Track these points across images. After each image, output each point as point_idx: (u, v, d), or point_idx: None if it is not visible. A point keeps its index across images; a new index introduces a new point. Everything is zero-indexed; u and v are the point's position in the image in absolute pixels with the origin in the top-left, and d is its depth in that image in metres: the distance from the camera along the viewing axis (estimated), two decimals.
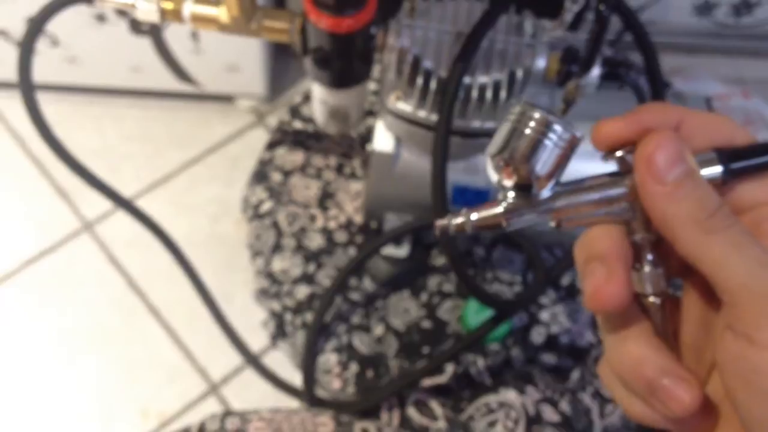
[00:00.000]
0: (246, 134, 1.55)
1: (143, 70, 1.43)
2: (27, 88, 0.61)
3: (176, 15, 0.58)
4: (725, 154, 0.28)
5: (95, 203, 1.43)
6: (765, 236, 0.28)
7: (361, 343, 0.68)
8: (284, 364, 0.83)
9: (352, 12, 0.54)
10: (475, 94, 0.56)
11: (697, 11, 1.47)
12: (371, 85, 0.76)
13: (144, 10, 0.58)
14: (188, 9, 0.58)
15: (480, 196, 0.64)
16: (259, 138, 1.56)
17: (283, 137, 0.74)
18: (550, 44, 0.59)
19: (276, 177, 0.73)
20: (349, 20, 0.54)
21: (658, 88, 0.60)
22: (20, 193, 1.45)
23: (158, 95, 1.53)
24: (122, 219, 1.41)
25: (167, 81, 1.46)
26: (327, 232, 0.71)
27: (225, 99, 1.55)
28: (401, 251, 0.69)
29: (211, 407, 1.29)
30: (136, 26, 1.32)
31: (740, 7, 1.46)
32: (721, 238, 0.27)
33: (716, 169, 0.28)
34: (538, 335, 0.68)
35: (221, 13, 0.58)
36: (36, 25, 0.58)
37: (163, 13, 0.58)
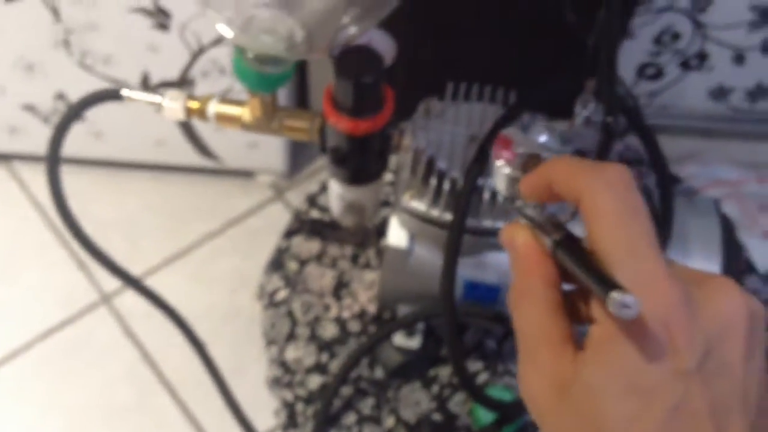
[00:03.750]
0: (266, 208, 1.58)
1: (166, 145, 1.46)
2: (53, 167, 0.63)
3: (201, 114, 0.60)
4: (564, 242, 0.33)
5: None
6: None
7: None
8: None
9: (370, 115, 0.56)
10: (486, 195, 0.58)
11: (712, 96, 1.50)
12: (387, 177, 0.78)
13: (170, 109, 0.60)
14: (213, 109, 0.60)
15: (491, 292, 0.65)
16: (278, 212, 1.58)
17: (300, 226, 0.76)
18: (562, 140, 0.61)
19: (292, 266, 0.74)
20: (366, 123, 0.56)
21: (666, 189, 0.62)
22: (41, 264, 1.47)
23: (180, 169, 1.56)
24: None
25: (189, 156, 1.49)
26: (341, 322, 0.72)
27: (245, 174, 1.58)
28: (413, 342, 0.70)
29: None
30: None
31: (755, 92, 1.48)
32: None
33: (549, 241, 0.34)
34: None
35: (244, 113, 0.60)
36: (67, 118, 0.61)
37: (189, 111, 0.60)
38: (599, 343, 0.31)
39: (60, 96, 1.33)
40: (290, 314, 0.72)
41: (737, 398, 0.30)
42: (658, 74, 1.43)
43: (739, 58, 1.38)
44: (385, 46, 0.61)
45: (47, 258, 1.48)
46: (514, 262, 0.35)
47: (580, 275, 0.31)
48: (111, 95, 0.60)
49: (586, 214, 0.32)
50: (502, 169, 0.38)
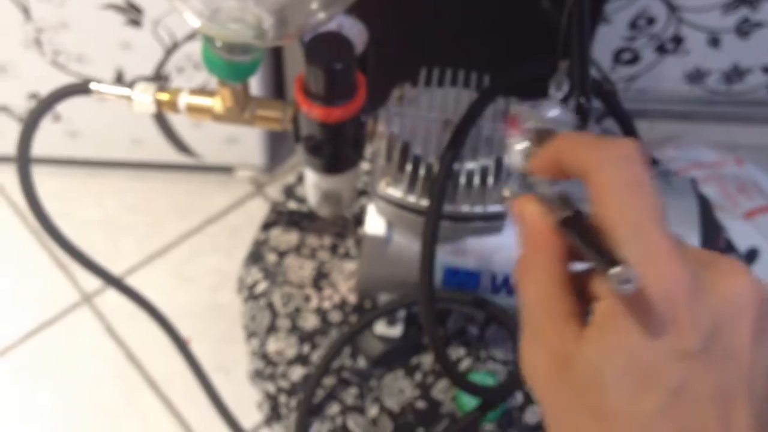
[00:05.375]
0: (245, 204, 1.57)
1: (144, 143, 1.45)
2: (24, 165, 0.63)
3: (172, 106, 0.60)
4: (571, 220, 0.32)
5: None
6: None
7: (355, 424, 0.68)
8: None
9: (343, 102, 0.56)
10: (462, 180, 0.57)
11: (689, 79, 1.50)
12: (364, 166, 0.78)
13: (140, 102, 0.59)
14: (184, 100, 0.59)
15: (471, 278, 0.64)
16: (258, 207, 1.57)
17: (278, 218, 0.75)
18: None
19: (271, 258, 0.74)
20: (339, 110, 0.56)
21: None
22: (20, 266, 1.46)
23: (158, 167, 1.55)
24: None
25: (167, 153, 1.48)
26: (321, 313, 0.72)
27: (224, 170, 1.57)
28: (395, 331, 0.69)
29: None
30: None
31: (731, 74, 1.49)
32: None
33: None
34: (532, 415, 0.68)
35: (215, 103, 0.59)
36: (35, 114, 0.60)
37: (159, 104, 0.60)
38: (602, 320, 0.30)
39: (33, 96, 1.32)
40: (270, 306, 0.72)
41: (743, 384, 0.29)
42: (635, 59, 1.43)
43: (714, 41, 1.39)
44: (356, 32, 0.61)
45: (26, 260, 1.47)
46: (522, 234, 0.34)
47: (585, 251, 0.30)
48: (79, 89, 0.59)
49: (591, 189, 0.31)
50: (514, 145, 0.38)
